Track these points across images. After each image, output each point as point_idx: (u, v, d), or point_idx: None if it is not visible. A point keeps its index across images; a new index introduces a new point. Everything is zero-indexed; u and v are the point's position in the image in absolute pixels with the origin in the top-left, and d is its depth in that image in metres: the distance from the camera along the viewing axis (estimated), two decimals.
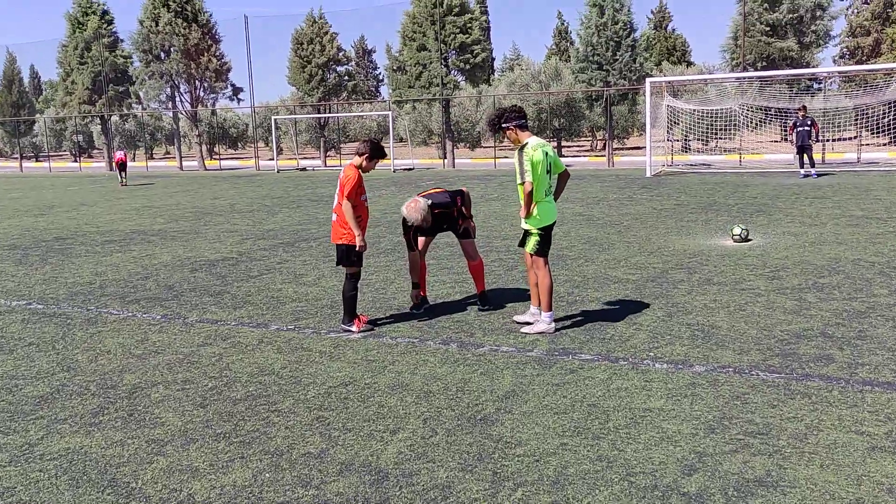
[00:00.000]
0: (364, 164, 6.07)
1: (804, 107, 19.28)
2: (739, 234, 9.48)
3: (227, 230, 12.75)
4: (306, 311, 6.94)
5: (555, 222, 5.97)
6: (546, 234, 5.85)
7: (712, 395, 4.49)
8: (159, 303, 7.49)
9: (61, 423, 4.45)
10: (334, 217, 6.13)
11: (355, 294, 6.18)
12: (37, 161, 55.16)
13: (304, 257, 9.79)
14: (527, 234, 5.94)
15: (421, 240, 6.69)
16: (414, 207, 6.32)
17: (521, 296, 7.06)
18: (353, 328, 6.15)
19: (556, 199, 6.00)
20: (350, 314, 6.19)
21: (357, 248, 5.97)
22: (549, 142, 6.33)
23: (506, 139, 6.00)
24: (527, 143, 5.78)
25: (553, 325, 5.90)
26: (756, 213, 12.38)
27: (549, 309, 5.88)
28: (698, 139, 29.22)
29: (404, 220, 6.49)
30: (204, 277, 8.68)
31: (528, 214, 5.79)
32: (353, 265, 6.11)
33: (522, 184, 5.74)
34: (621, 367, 5.04)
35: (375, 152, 6.06)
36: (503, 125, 5.87)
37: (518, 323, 6.13)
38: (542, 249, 5.87)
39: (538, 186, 5.72)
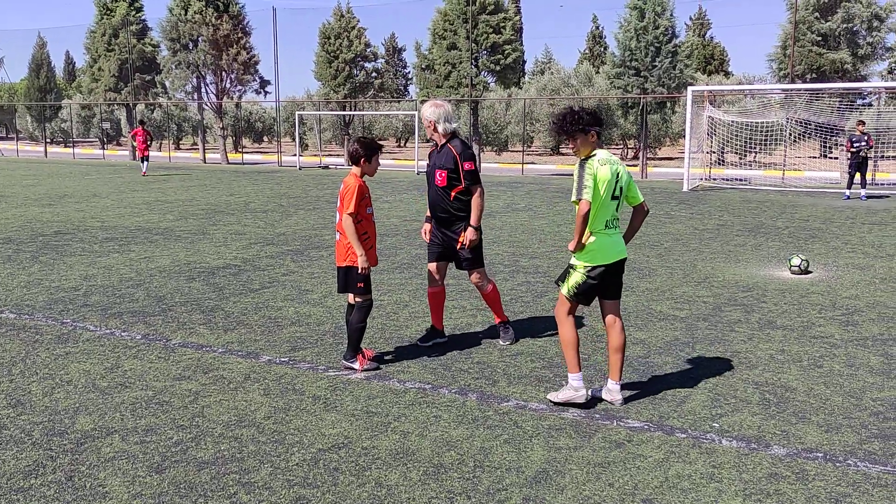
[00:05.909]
0: (364, 168, 5.18)
1: (862, 122, 17.98)
2: (798, 266, 8.42)
3: (236, 232, 11.93)
4: (305, 338, 6.04)
5: (615, 267, 4.52)
6: (595, 277, 4.51)
7: (803, 496, 3.50)
8: (143, 318, 6.65)
9: None
10: (338, 236, 5.24)
11: (363, 327, 5.28)
12: (65, 147, 55.15)
13: (313, 268, 8.92)
14: (569, 268, 4.65)
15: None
16: None
17: (552, 325, 6.08)
18: (356, 366, 5.25)
19: (627, 240, 4.67)
20: (354, 348, 5.29)
21: (359, 271, 5.07)
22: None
23: (571, 145, 4.58)
24: (594, 155, 4.52)
25: (584, 391, 4.55)
26: (810, 239, 11.26)
27: (575, 369, 4.56)
28: (735, 152, 27.92)
29: None
30: (199, 288, 7.84)
31: (580, 246, 4.53)
32: (362, 293, 5.20)
33: (578, 202, 4.44)
34: (679, 443, 4.07)
35: (370, 150, 5.15)
36: (586, 127, 4.47)
37: (601, 399, 4.69)
38: (580, 296, 4.57)
39: (598, 211, 4.47)
